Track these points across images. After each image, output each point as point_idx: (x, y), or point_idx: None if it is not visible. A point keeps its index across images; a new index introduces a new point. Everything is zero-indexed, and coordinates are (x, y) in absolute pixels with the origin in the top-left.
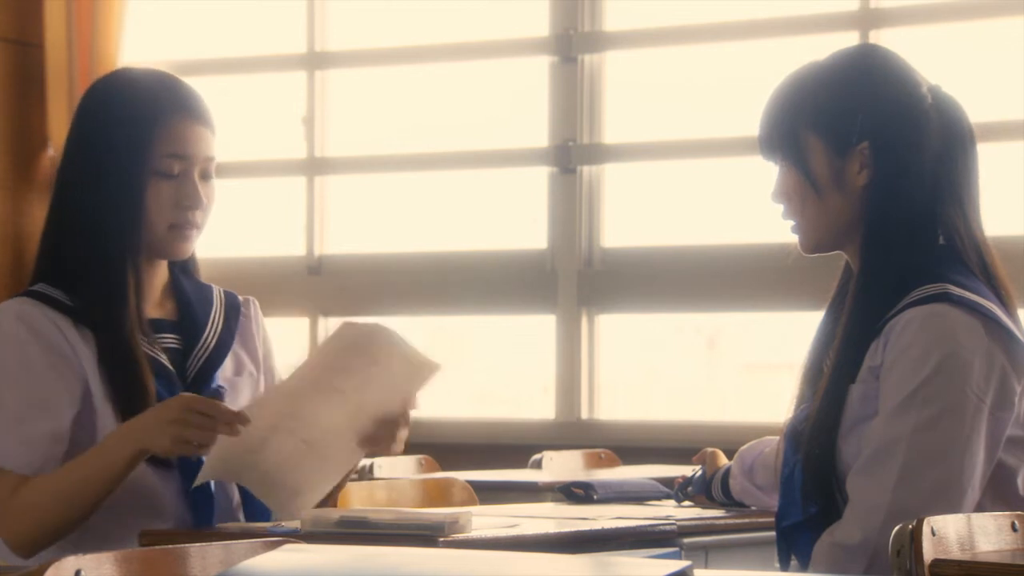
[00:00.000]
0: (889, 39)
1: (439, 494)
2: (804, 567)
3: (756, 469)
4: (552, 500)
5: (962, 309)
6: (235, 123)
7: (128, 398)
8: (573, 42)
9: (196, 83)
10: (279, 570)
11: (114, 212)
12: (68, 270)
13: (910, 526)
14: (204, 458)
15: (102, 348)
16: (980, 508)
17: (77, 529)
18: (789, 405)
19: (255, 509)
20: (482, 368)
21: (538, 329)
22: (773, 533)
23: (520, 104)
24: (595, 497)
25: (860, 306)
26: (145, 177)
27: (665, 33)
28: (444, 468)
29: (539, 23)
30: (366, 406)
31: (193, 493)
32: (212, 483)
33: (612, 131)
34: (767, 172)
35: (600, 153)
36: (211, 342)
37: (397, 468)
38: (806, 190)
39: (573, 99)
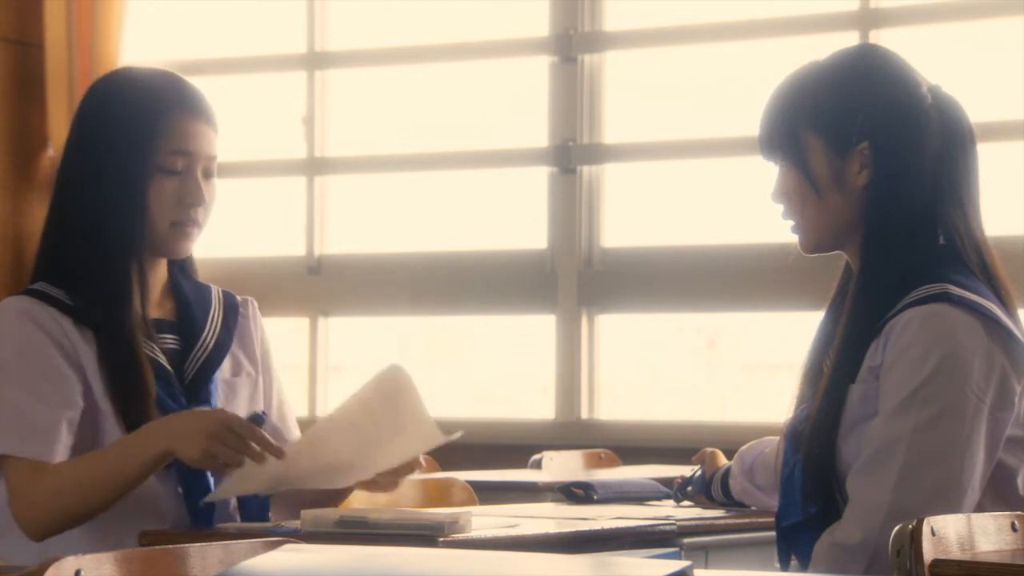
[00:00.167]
0: (889, 39)
1: (439, 494)
2: (804, 567)
3: (756, 469)
4: (552, 500)
5: (962, 309)
6: (235, 123)
7: (129, 398)
8: (573, 42)
9: (196, 83)
10: (279, 570)
11: (116, 210)
12: (68, 270)
13: (910, 526)
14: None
15: (103, 348)
16: (980, 508)
17: (92, 519)
18: (789, 405)
19: (252, 512)
20: (482, 368)
21: (538, 329)
22: (773, 533)
23: (520, 104)
24: (595, 497)
25: (860, 306)
26: (148, 174)
27: (665, 33)
28: (444, 468)
29: (539, 23)
30: (375, 450)
31: (191, 494)
32: (212, 485)
33: (612, 131)
34: (767, 172)
35: (600, 153)
36: (210, 343)
37: None
38: (806, 190)
39: (573, 99)
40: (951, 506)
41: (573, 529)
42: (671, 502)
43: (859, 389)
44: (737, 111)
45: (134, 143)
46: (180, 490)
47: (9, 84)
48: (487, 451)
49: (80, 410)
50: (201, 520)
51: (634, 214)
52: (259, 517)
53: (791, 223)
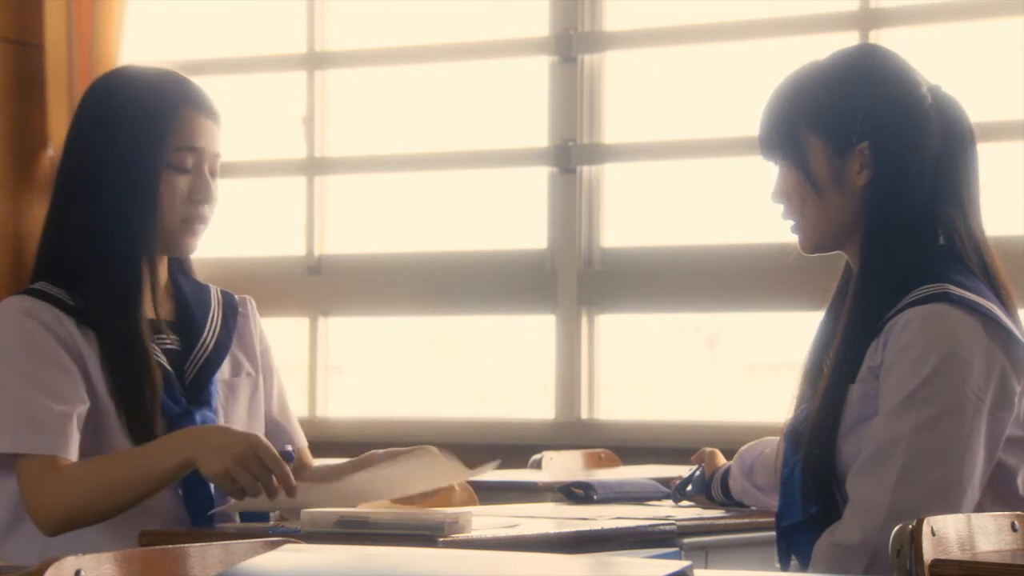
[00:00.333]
0: (889, 39)
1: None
2: (804, 567)
3: (756, 469)
4: (552, 500)
5: (962, 309)
6: (235, 123)
7: (135, 398)
8: (573, 42)
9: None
10: (279, 570)
11: (124, 208)
12: (69, 269)
13: (910, 526)
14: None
15: (106, 348)
16: (980, 508)
17: (107, 519)
18: (789, 405)
19: (251, 514)
20: (482, 368)
21: (538, 329)
22: (773, 533)
23: (520, 104)
24: (595, 497)
25: (860, 306)
26: (158, 171)
27: (665, 33)
28: None
29: (539, 23)
30: (394, 483)
31: (191, 495)
32: (212, 485)
33: (612, 131)
34: (767, 172)
35: (600, 153)
36: (210, 343)
37: None
38: (806, 190)
39: (573, 99)
40: (951, 506)
41: (573, 529)
42: (671, 502)
43: (859, 389)
44: (737, 111)
45: (142, 141)
46: (180, 491)
47: (9, 84)
48: (487, 451)
49: (87, 406)
50: (201, 520)
51: (634, 214)
52: (259, 517)
53: (791, 223)
